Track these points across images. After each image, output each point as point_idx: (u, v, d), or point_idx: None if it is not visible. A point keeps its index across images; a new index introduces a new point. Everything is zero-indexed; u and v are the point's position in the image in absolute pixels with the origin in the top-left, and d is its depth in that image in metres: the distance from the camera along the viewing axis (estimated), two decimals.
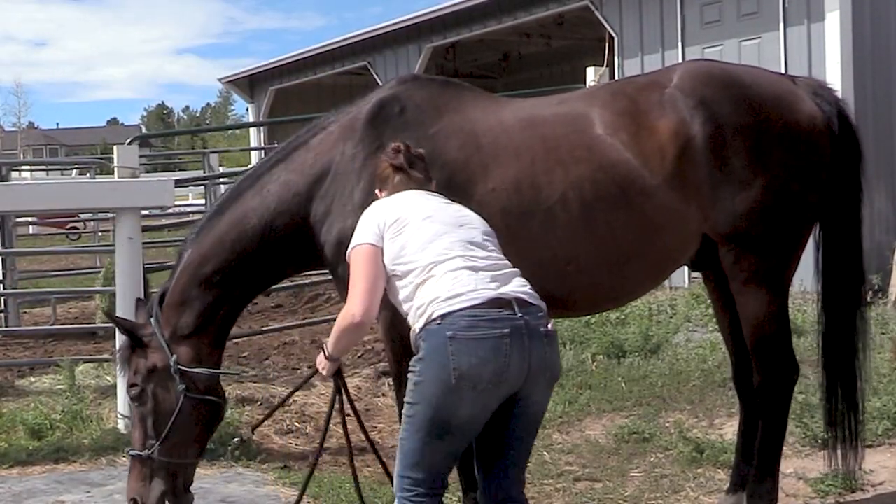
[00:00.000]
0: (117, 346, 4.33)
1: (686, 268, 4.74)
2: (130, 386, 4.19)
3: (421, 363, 3.26)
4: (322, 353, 3.64)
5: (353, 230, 3.93)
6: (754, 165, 4.19)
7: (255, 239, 4.24)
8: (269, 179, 4.30)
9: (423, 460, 3.30)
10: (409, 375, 3.30)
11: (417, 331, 3.32)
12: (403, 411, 3.34)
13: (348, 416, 4.02)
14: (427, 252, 3.38)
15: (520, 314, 3.26)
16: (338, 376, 3.83)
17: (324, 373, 3.69)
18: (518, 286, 3.38)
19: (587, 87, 4.78)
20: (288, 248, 4.27)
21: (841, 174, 4.44)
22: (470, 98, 4.39)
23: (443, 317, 3.23)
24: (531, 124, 4.25)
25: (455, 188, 4.05)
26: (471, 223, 3.58)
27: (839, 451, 4.65)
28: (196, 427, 4.19)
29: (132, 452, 4.19)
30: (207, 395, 4.20)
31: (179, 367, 4.13)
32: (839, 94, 4.62)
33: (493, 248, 3.53)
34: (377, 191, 3.79)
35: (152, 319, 4.23)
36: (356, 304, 3.38)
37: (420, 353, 3.28)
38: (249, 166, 20.29)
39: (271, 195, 4.26)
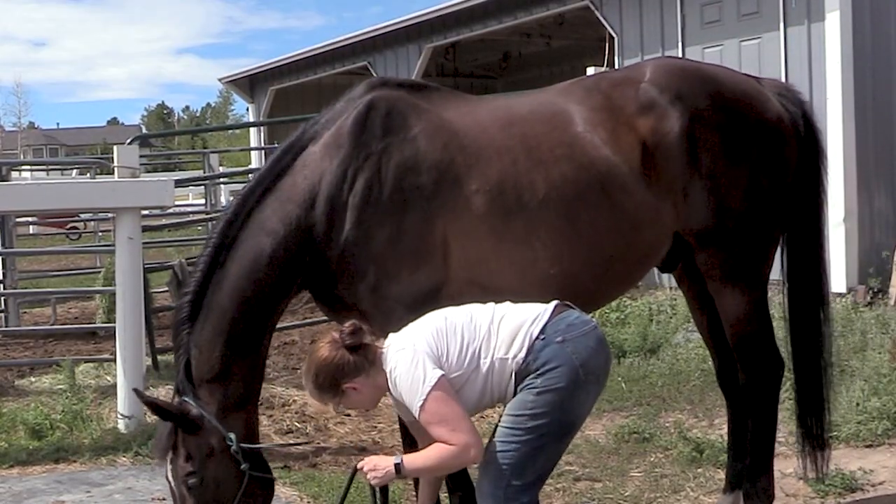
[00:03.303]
0: (156, 436, 3.86)
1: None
2: (187, 475, 3.73)
3: (542, 376, 3.31)
4: (394, 465, 3.32)
5: (351, 249, 3.87)
6: (726, 162, 4.20)
7: (276, 281, 3.92)
8: (265, 215, 3.95)
9: (536, 464, 3.35)
10: (528, 391, 3.31)
11: (522, 359, 3.34)
12: (514, 425, 3.31)
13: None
14: (477, 325, 3.41)
15: (582, 313, 3.49)
16: (382, 489, 3.51)
17: (374, 481, 3.38)
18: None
19: (559, 84, 4.67)
20: (303, 275, 4.02)
21: (804, 174, 4.48)
22: (441, 98, 4.28)
23: (541, 331, 3.36)
24: (509, 123, 4.17)
25: (443, 190, 3.95)
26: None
27: (807, 452, 4.66)
28: (259, 501, 3.88)
29: None
30: (264, 470, 3.90)
31: (242, 445, 3.78)
32: (803, 97, 4.67)
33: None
34: (347, 384, 3.37)
35: (189, 398, 3.81)
36: (470, 445, 3.25)
37: (536, 371, 3.32)
38: (249, 167, 20.28)
39: (278, 233, 3.92)
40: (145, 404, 3.76)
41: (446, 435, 3.26)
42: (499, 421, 3.46)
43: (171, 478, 3.81)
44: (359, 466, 3.44)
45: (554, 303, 3.48)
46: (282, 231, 3.92)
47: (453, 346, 3.36)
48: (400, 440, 4.46)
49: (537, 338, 3.35)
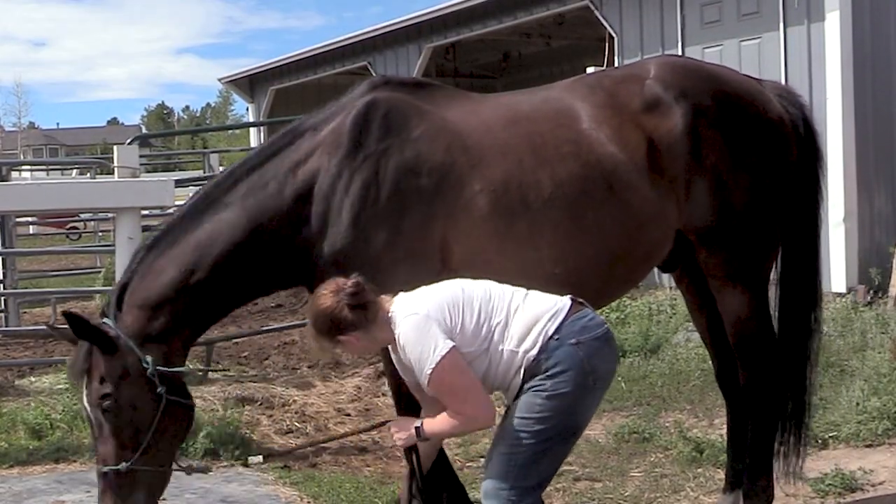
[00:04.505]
0: (72, 359, 3.91)
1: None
2: (102, 397, 3.76)
3: (553, 379, 3.30)
4: (415, 429, 3.43)
5: (346, 250, 3.83)
6: (730, 160, 4.20)
7: (240, 254, 3.94)
8: (248, 188, 3.99)
9: (541, 467, 3.36)
10: (537, 392, 3.30)
11: (534, 356, 3.32)
12: (521, 427, 3.31)
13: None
14: (494, 305, 3.39)
15: (594, 310, 3.47)
16: (414, 450, 3.62)
17: (401, 443, 3.52)
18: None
19: (561, 81, 4.66)
20: (274, 266, 4.01)
21: (803, 177, 4.49)
22: (446, 97, 4.26)
23: (557, 331, 3.33)
24: (513, 121, 4.15)
25: (444, 191, 3.93)
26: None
27: (783, 452, 4.64)
28: (174, 432, 3.91)
29: (106, 469, 3.76)
30: (184, 397, 3.92)
31: (158, 368, 3.80)
32: (802, 99, 4.67)
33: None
34: (343, 336, 3.40)
35: (108, 321, 3.87)
36: (480, 413, 3.32)
37: (548, 371, 3.31)
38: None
39: (255, 207, 3.95)
40: (63, 316, 3.75)
41: (456, 405, 3.30)
42: (503, 422, 3.46)
43: (86, 403, 3.83)
44: (388, 426, 3.59)
45: (569, 300, 3.45)
46: (259, 206, 3.96)
47: (469, 321, 3.34)
48: None
49: (552, 337, 3.33)
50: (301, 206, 3.96)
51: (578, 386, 3.30)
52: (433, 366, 3.25)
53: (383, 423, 3.71)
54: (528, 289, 3.52)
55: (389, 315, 3.40)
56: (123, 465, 3.73)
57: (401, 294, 3.47)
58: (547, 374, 3.31)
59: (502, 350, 3.35)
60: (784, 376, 4.55)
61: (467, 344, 3.32)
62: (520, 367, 3.35)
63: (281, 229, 3.96)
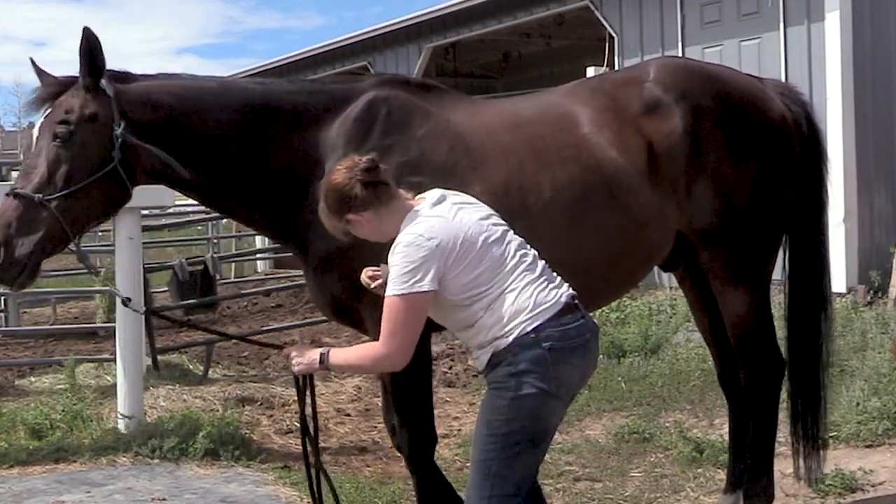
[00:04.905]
0: (43, 84, 3.87)
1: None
2: (61, 122, 3.72)
3: (517, 378, 3.23)
4: (319, 356, 3.40)
5: (342, 244, 3.71)
6: (731, 160, 4.20)
7: (228, 139, 3.96)
8: (270, 100, 4.04)
9: (515, 473, 3.30)
10: (501, 392, 3.25)
11: (504, 346, 3.25)
12: (490, 430, 3.27)
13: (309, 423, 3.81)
14: (499, 274, 3.30)
15: (586, 317, 3.39)
16: (309, 380, 3.69)
17: (297, 368, 3.47)
18: (567, 286, 3.42)
19: (563, 85, 4.66)
20: (253, 182, 3.99)
21: (807, 175, 4.49)
22: (450, 100, 4.27)
23: (535, 330, 3.24)
24: (516, 125, 4.16)
25: None
26: (503, 225, 3.45)
27: (801, 453, 4.65)
28: (102, 204, 3.86)
29: (20, 190, 3.69)
30: (130, 181, 3.86)
31: (127, 135, 3.77)
32: (805, 97, 4.67)
33: (527, 244, 3.46)
34: (352, 215, 3.34)
35: (104, 80, 3.85)
36: (397, 355, 3.26)
37: (513, 367, 3.24)
38: None
39: (263, 117, 4.00)
40: (84, 29, 3.74)
41: (385, 333, 3.24)
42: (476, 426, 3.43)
43: (37, 127, 3.81)
44: (285, 353, 3.52)
45: (566, 300, 3.34)
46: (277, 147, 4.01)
47: (469, 273, 3.25)
48: None
49: (527, 333, 3.24)
50: (295, 172, 3.97)
51: (542, 391, 3.23)
52: (401, 292, 3.19)
53: (281, 346, 3.67)
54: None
55: (410, 212, 3.32)
56: (38, 196, 3.67)
57: (434, 195, 3.38)
58: (511, 371, 3.24)
59: (480, 318, 3.28)
60: (792, 378, 4.56)
61: (452, 291, 3.25)
62: (488, 347, 3.28)
63: (290, 191, 3.97)
